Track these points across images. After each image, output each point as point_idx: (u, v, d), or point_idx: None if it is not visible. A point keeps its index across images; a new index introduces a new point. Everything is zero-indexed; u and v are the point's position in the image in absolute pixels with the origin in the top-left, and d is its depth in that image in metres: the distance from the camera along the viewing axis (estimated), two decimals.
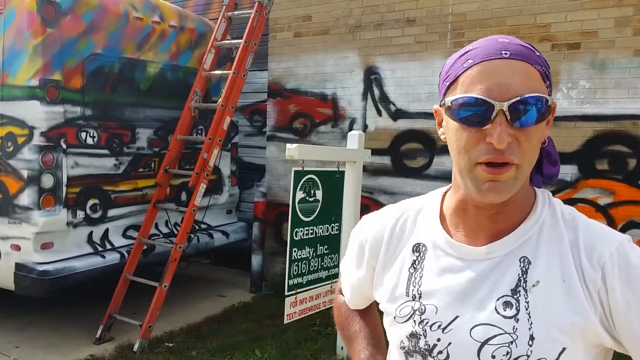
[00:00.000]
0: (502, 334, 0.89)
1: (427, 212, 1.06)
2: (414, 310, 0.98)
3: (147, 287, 4.65)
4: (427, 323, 0.96)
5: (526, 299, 0.89)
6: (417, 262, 1.01)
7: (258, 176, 6.43)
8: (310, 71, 5.63)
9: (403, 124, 5.11)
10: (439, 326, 0.95)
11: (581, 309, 0.86)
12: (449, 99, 0.90)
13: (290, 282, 3.64)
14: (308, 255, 3.77)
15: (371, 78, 5.27)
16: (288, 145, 3.39)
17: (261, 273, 5.95)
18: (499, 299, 0.91)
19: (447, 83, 0.93)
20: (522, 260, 0.92)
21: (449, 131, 0.92)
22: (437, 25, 4.82)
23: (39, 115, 4.38)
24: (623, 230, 4.19)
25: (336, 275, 4.06)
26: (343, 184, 3.86)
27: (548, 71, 0.91)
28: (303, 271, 3.73)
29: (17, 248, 4.48)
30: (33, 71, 4.35)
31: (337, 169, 3.93)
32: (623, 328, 0.85)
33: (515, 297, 0.90)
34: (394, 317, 1.01)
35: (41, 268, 4.36)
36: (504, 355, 0.88)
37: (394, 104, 5.16)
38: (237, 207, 6.30)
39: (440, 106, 0.95)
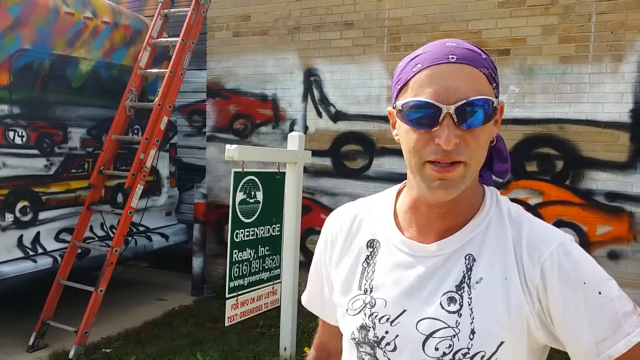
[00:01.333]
0: (445, 327, 0.93)
1: (381, 209, 1.09)
2: (365, 304, 1.02)
3: (82, 292, 4.49)
4: (376, 316, 1.00)
5: (469, 295, 0.93)
6: (370, 257, 1.05)
7: (198, 177, 6.34)
8: (250, 71, 5.61)
9: (343, 126, 5.17)
10: (387, 319, 0.98)
11: (520, 305, 0.91)
12: (399, 102, 0.93)
13: (231, 284, 3.62)
14: (249, 257, 3.76)
15: (311, 80, 5.31)
16: (227, 146, 3.37)
17: (202, 275, 5.87)
18: (444, 294, 0.95)
19: (399, 86, 0.96)
20: (467, 257, 0.96)
21: (401, 132, 0.96)
22: (374, 29, 4.91)
23: None
24: None
25: (278, 277, 4.07)
26: (284, 185, 3.87)
27: (494, 73, 0.95)
28: (244, 273, 3.72)
29: None
30: None
31: (277, 170, 3.94)
32: (560, 324, 0.91)
33: (459, 293, 0.94)
34: (347, 310, 1.05)
35: None
36: (446, 348, 0.92)
37: (333, 106, 5.21)
38: (176, 208, 6.18)
39: (393, 108, 0.97)
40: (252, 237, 3.72)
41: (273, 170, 3.93)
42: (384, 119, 4.86)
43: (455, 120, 0.87)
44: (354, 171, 5.15)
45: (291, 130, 5.36)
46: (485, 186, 1.04)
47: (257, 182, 3.75)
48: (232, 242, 3.56)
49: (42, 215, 4.75)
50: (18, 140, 4.53)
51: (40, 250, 4.69)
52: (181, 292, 5.88)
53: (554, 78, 4.34)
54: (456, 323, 0.93)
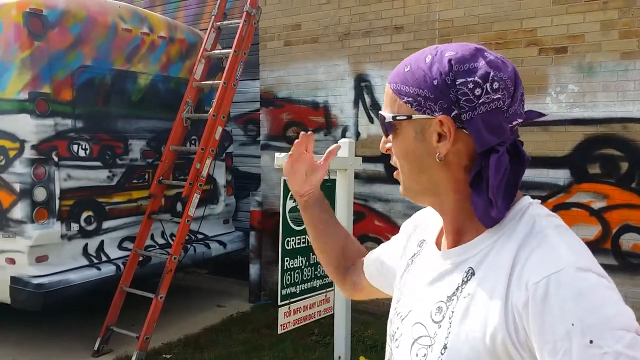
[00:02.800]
0: (426, 336, 0.94)
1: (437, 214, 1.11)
2: (396, 299, 1.10)
3: (144, 299, 4.65)
4: (396, 311, 1.06)
5: (453, 308, 0.90)
6: (415, 255, 1.11)
7: (254, 185, 6.44)
8: (302, 79, 5.65)
9: None
10: (400, 316, 1.03)
11: (496, 329, 0.82)
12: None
13: (283, 292, 3.64)
14: (301, 265, 3.77)
15: (362, 85, 5.29)
16: (277, 154, 3.39)
17: (259, 282, 5.95)
18: (436, 302, 0.94)
19: None
20: (467, 270, 0.92)
21: None
22: (424, 31, 4.84)
23: (29, 128, 4.38)
24: (619, 234, 4.19)
25: (330, 284, 4.05)
26: (334, 192, 3.86)
27: (413, 85, 0.91)
28: (296, 280, 3.73)
29: (12, 262, 4.48)
30: (22, 84, 4.36)
31: (327, 177, 3.94)
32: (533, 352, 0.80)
33: (447, 304, 0.92)
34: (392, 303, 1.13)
35: (36, 281, 4.36)
36: (422, 356, 0.93)
37: None
38: (234, 216, 6.30)
39: None
40: (304, 245, 3.73)
41: (324, 177, 3.92)
42: None
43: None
44: None
45: (343, 136, 5.35)
46: (521, 199, 0.94)
47: None
48: (283, 249, 3.59)
49: (106, 224, 4.95)
50: (82, 153, 4.74)
51: (104, 258, 4.89)
52: (239, 299, 5.98)
53: (616, 75, 4.12)
54: (434, 334, 0.92)
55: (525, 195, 0.95)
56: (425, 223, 1.15)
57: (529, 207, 0.92)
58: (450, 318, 0.90)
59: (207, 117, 4.95)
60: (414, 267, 1.08)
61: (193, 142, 5.57)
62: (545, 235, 0.86)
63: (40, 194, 4.46)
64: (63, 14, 4.57)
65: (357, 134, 5.34)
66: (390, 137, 0.99)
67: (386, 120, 0.97)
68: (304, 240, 3.74)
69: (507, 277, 0.84)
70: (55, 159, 4.52)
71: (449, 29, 4.71)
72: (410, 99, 0.92)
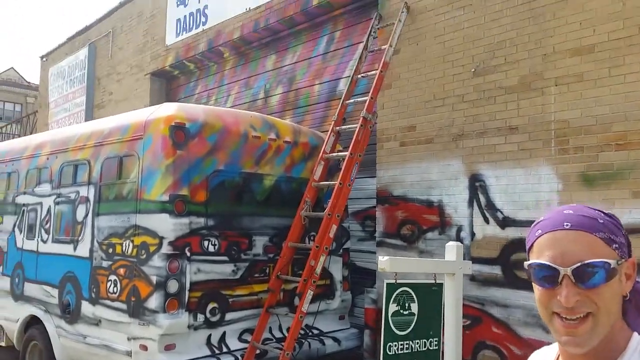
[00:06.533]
0: None
1: (547, 351, 1.21)
2: None
3: None
4: None
5: None
6: None
7: (370, 281, 6.48)
8: (416, 178, 5.75)
9: (512, 233, 4.96)
10: None
11: None
12: (526, 263, 1.09)
13: None
14: None
15: (476, 185, 5.26)
16: (380, 257, 3.49)
17: None
18: None
19: (527, 247, 1.13)
20: None
21: (534, 285, 1.10)
22: (540, 132, 4.76)
23: (168, 226, 4.90)
24: None
25: None
26: (441, 297, 3.82)
27: (615, 234, 1.04)
28: None
29: (145, 348, 4.89)
30: (164, 187, 4.94)
31: (434, 281, 3.91)
32: None
33: None
34: None
35: None
36: None
37: (500, 212, 5.05)
38: (350, 312, 6.32)
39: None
40: (407, 351, 3.69)
41: (429, 282, 3.91)
42: None
43: (574, 280, 0.99)
44: (527, 282, 4.82)
45: (458, 236, 5.29)
46: (636, 333, 1.05)
47: (411, 294, 3.76)
48: (385, 355, 3.57)
49: (229, 316, 5.25)
50: (211, 249, 5.17)
51: (224, 349, 5.14)
52: None
53: None
54: None
55: None
56: None
57: None
58: None
59: (323, 216, 5.20)
60: None
61: (311, 238, 5.82)
62: None
63: (172, 286, 4.90)
64: (202, 126, 5.18)
65: (472, 234, 5.25)
66: (592, 286, 1.00)
67: (612, 267, 1.01)
68: (407, 346, 3.70)
69: None
70: (188, 254, 4.97)
71: (566, 129, 4.60)
72: (617, 245, 1.04)
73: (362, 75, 6.21)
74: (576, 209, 1.07)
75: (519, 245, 4.89)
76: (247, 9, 8.30)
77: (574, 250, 1.00)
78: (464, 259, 4.07)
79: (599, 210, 1.07)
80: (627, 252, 1.06)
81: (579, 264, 0.98)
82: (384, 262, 3.47)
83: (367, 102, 5.60)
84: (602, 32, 4.43)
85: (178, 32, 9.80)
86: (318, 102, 7.67)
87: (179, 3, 9.83)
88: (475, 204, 5.27)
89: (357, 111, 6.58)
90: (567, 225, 1.03)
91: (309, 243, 5.67)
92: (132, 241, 5.04)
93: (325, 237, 5.14)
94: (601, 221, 1.04)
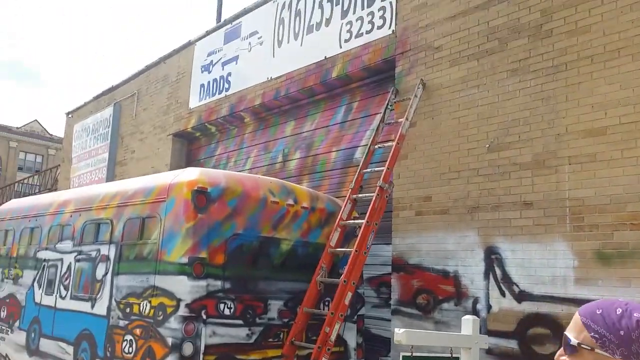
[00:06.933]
0: None
1: None
2: None
3: None
4: None
5: None
6: None
7: (385, 349, 6.43)
8: (432, 248, 5.82)
9: (528, 307, 4.97)
10: None
11: None
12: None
13: None
14: None
15: (492, 258, 5.31)
16: (396, 330, 3.53)
17: None
18: None
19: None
20: None
21: None
22: (554, 209, 4.86)
23: (186, 288, 4.98)
24: None
25: None
26: None
27: (595, 324, 1.20)
28: None
29: None
30: (184, 250, 5.05)
31: (450, 355, 3.92)
32: None
33: None
34: None
35: None
36: None
37: (517, 286, 5.08)
38: None
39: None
40: None
41: (445, 355, 3.92)
42: (572, 301, 4.59)
43: None
44: (544, 357, 4.80)
45: (474, 308, 5.30)
46: None
47: None
48: None
49: None
50: (227, 312, 5.21)
51: None
52: None
53: None
54: None
55: None
56: None
57: None
58: None
59: (338, 283, 5.26)
60: None
61: (326, 303, 5.85)
62: None
63: (188, 348, 4.92)
64: (223, 191, 5.34)
65: (488, 307, 5.26)
66: (567, 355, 1.22)
67: (570, 343, 1.22)
68: None
69: None
70: (204, 316, 5.02)
71: (581, 207, 4.69)
72: (597, 335, 1.19)
73: (378, 145, 6.41)
74: None
75: (535, 319, 4.89)
76: (269, 78, 8.66)
77: None
78: (480, 332, 4.10)
79: None
80: (627, 355, 1.16)
81: None
82: (400, 334, 3.52)
83: (384, 172, 5.76)
84: (614, 115, 4.60)
85: (201, 96, 10.20)
86: (335, 168, 7.86)
87: (203, 69, 10.28)
88: (491, 276, 5.30)
89: (374, 179, 6.74)
90: None
91: (324, 309, 5.69)
92: (150, 302, 5.11)
93: (340, 304, 5.18)
94: (598, 312, 1.22)
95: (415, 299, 5.96)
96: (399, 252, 6.21)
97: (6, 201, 17.30)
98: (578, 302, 4.47)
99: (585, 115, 4.83)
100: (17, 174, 42.86)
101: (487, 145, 5.51)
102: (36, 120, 49.56)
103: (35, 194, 21.45)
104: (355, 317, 6.11)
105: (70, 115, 15.50)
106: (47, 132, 49.08)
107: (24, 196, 22.20)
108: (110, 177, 12.38)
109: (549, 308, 4.83)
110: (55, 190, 16.42)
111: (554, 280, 4.81)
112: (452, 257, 5.65)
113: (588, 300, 1.23)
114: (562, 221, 4.79)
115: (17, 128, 47.07)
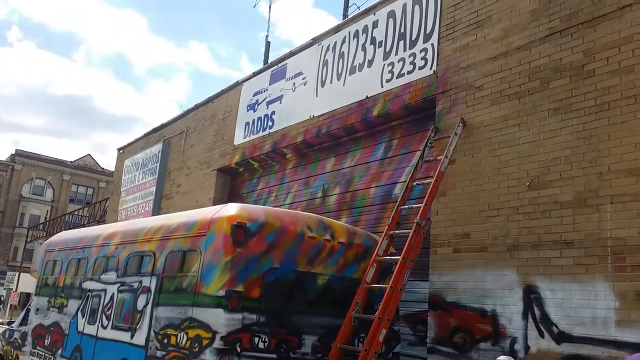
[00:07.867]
0: None
1: None
2: None
3: None
4: None
5: None
6: None
7: None
8: (470, 286, 5.74)
9: (567, 348, 4.81)
10: None
11: None
12: None
13: None
14: None
15: (531, 297, 5.19)
16: None
17: None
18: None
19: None
20: None
21: None
22: (595, 248, 4.74)
23: (222, 321, 5.04)
24: None
25: None
26: None
27: None
28: None
29: None
30: (222, 283, 5.14)
31: None
32: None
33: None
34: None
35: None
36: None
37: (556, 326, 4.94)
38: None
39: None
40: None
41: None
42: (613, 344, 4.42)
43: None
44: None
45: (512, 348, 5.17)
46: None
47: None
48: None
49: None
50: (261, 345, 5.24)
51: None
52: None
53: None
54: None
55: None
56: None
57: None
58: None
59: (374, 319, 5.23)
60: None
61: (361, 339, 5.79)
62: None
63: None
64: (262, 225, 5.43)
65: (527, 348, 5.11)
66: None
67: None
68: None
69: None
70: (239, 349, 5.06)
71: (622, 247, 4.57)
72: None
73: (417, 182, 6.42)
74: None
75: None
76: (311, 116, 8.87)
77: None
78: None
79: None
80: None
81: None
82: None
83: (422, 208, 5.76)
84: None
85: (246, 133, 10.50)
86: (373, 204, 7.89)
87: (249, 108, 10.61)
88: (530, 316, 5.17)
89: (412, 216, 6.73)
90: None
91: (358, 345, 5.65)
92: (187, 333, 5.21)
93: (374, 340, 5.14)
94: None
95: (451, 337, 5.84)
96: (436, 290, 6.13)
97: (58, 231, 18.03)
98: (619, 344, 4.32)
99: (628, 155, 4.75)
100: (69, 205, 44.64)
101: (528, 183, 5.45)
102: (89, 154, 51.69)
103: (84, 225, 22.27)
104: (390, 354, 6.03)
105: (121, 151, 16.15)
106: (99, 165, 51.03)
107: (74, 226, 23.08)
108: (157, 209, 12.75)
109: (589, 350, 4.66)
110: (104, 221, 17.00)
111: (594, 321, 4.65)
112: (490, 296, 5.54)
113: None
114: (604, 261, 4.66)
115: (71, 162, 49.21)
